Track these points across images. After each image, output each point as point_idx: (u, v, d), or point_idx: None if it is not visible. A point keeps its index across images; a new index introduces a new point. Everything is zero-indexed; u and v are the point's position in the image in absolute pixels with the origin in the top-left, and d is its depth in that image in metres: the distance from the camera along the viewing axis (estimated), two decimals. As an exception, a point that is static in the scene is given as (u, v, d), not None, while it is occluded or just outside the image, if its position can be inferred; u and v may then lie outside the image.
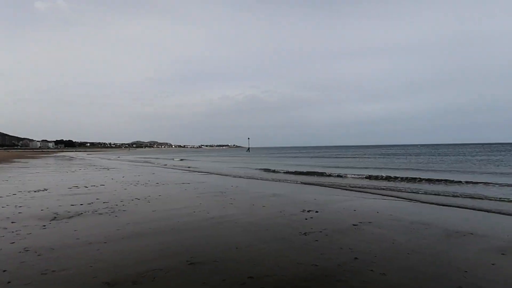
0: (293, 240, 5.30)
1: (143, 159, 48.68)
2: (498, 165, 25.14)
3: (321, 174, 18.88)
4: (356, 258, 4.42)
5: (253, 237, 5.50)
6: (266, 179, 16.85)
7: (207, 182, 15.16)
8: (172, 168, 26.97)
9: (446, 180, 14.28)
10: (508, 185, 12.43)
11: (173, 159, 50.08)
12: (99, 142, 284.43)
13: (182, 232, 5.84)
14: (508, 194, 10.57)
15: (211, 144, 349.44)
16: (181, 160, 46.32)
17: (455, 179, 14.52)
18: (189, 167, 28.09)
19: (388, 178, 15.75)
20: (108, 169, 24.14)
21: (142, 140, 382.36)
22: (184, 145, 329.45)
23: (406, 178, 15.48)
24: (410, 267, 4.11)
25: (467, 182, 13.59)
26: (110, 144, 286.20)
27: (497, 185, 12.66)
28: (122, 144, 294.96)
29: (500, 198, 9.72)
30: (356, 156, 50.84)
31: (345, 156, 51.61)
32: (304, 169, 22.72)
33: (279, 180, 16.21)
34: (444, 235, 5.62)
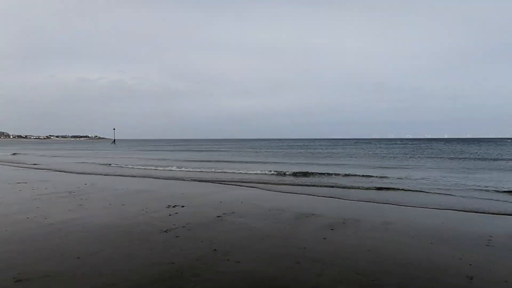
0: (151, 239, 4.89)
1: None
2: (339, 157, 31.50)
3: (193, 168, 18.74)
4: (215, 249, 4.45)
5: (102, 243, 4.76)
6: (130, 175, 15.32)
7: (52, 180, 12.48)
8: (2, 165, 20.97)
9: (303, 172, 16.66)
10: (348, 175, 15.20)
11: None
12: None
13: (6, 245, 4.51)
14: (349, 182, 12.96)
15: (64, 134, 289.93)
16: (14, 154, 36.33)
17: (310, 171, 17.07)
18: (26, 163, 22.51)
19: (254, 172, 17.07)
20: None
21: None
22: (26, 135, 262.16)
23: (270, 171, 17.19)
24: (263, 251, 4.45)
25: (314, 174, 16.27)
26: None
27: (341, 175, 15.22)
28: None
29: (340, 185, 12.04)
30: (230, 150, 53.35)
31: (219, 149, 53.26)
32: (174, 163, 22.02)
33: (145, 176, 15.03)
34: (294, 218, 6.46)
